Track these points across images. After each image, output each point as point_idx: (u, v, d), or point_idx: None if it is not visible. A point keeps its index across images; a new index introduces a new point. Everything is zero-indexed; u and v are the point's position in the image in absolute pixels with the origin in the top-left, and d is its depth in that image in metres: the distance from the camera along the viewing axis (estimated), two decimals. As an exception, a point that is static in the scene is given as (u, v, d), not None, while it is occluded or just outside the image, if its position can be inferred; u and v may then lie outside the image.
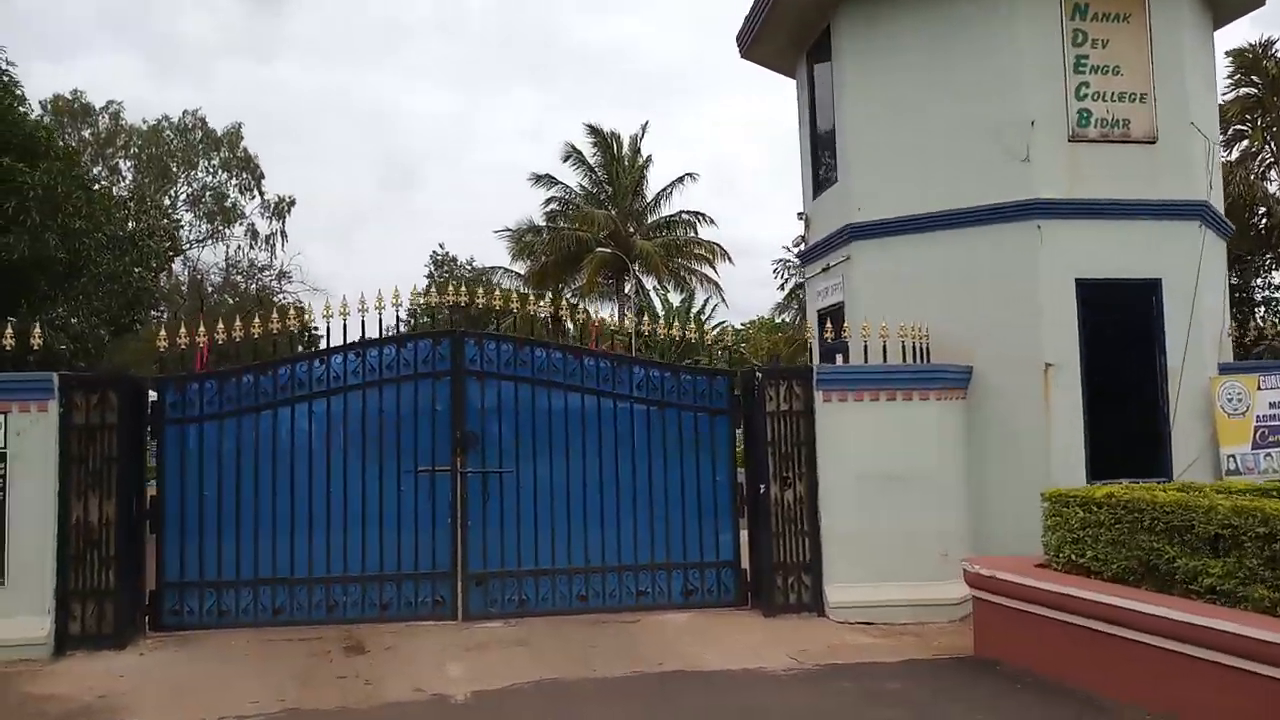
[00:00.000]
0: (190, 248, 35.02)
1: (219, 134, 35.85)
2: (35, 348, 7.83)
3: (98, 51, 59.47)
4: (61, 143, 19.43)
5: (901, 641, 7.52)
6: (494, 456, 8.36)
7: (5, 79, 13.26)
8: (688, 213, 37.20)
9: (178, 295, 34.60)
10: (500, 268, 39.25)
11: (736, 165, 77.69)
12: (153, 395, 8.15)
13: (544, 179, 37.14)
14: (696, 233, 37.25)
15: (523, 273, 37.71)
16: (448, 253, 49.13)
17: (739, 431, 8.82)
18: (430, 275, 46.68)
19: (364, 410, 8.27)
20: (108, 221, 17.11)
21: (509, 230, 37.70)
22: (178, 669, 6.94)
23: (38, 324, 8.22)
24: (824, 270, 10.80)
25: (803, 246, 11.71)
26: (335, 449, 8.20)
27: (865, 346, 8.60)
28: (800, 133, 11.80)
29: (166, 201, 33.71)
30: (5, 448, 7.42)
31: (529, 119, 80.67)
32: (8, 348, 7.52)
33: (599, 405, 8.57)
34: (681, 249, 36.74)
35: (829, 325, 9.09)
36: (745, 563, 8.55)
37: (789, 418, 8.36)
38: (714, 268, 37.26)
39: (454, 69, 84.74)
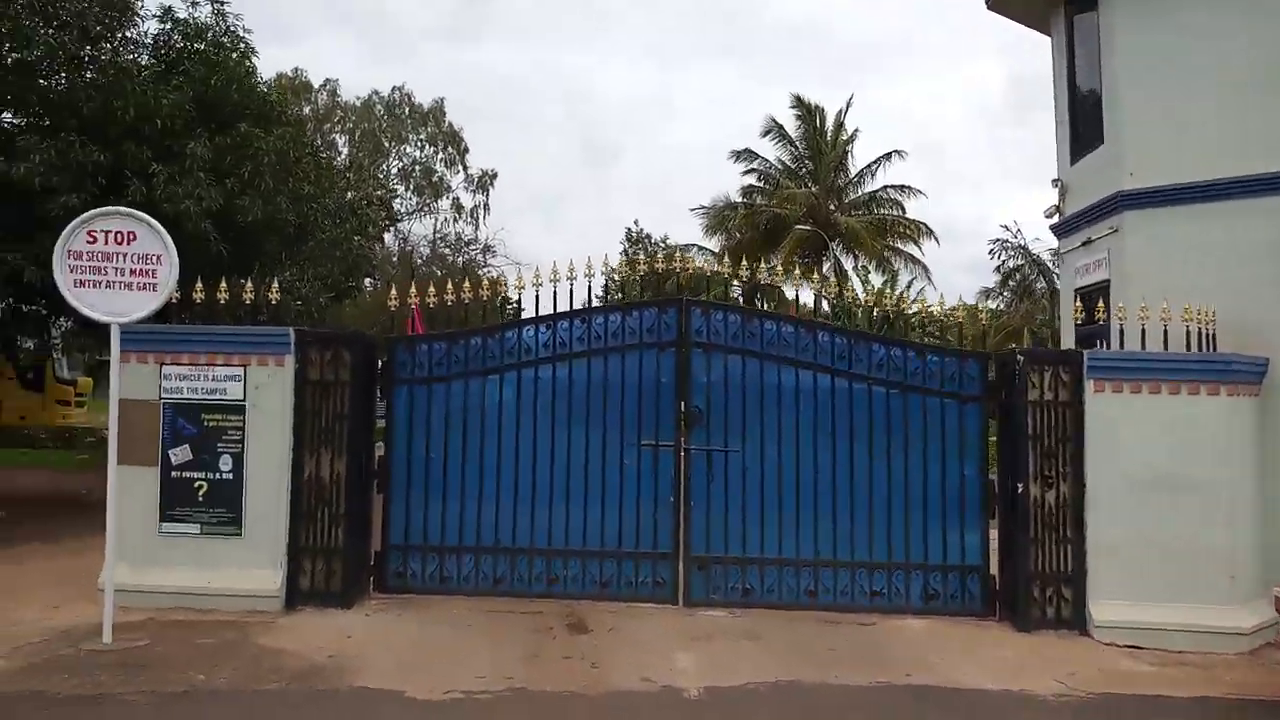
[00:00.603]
0: (402, 219, 36.41)
1: (425, 109, 36.99)
2: (273, 303, 7.92)
3: (313, 35, 63.01)
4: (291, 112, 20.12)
5: (1184, 673, 6.50)
6: (719, 434, 7.87)
7: (242, 46, 13.62)
8: (893, 187, 35.43)
9: (388, 265, 36.05)
10: (694, 245, 38.82)
11: (941, 143, 74.09)
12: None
13: (743, 154, 36.39)
14: (903, 210, 35.50)
15: (717, 250, 37.16)
16: (642, 229, 49.19)
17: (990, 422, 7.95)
18: (625, 252, 46.81)
19: (588, 379, 7.95)
20: (331, 188, 17.66)
21: (704, 208, 37.24)
22: (404, 633, 6.84)
23: (276, 282, 8.32)
24: (1084, 244, 9.66)
25: (1056, 218, 10.57)
26: (559, 417, 7.92)
27: (1143, 330, 7.54)
28: (1055, 90, 10.64)
29: (380, 175, 35.11)
30: (245, 400, 7.54)
31: (725, 97, 79.98)
32: (246, 303, 7.65)
33: (833, 385, 7.90)
34: (888, 227, 35.05)
35: (1100, 305, 8.04)
36: (992, 569, 7.71)
37: (1053, 408, 7.41)
38: (919, 246, 35.41)
39: (652, 46, 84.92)
